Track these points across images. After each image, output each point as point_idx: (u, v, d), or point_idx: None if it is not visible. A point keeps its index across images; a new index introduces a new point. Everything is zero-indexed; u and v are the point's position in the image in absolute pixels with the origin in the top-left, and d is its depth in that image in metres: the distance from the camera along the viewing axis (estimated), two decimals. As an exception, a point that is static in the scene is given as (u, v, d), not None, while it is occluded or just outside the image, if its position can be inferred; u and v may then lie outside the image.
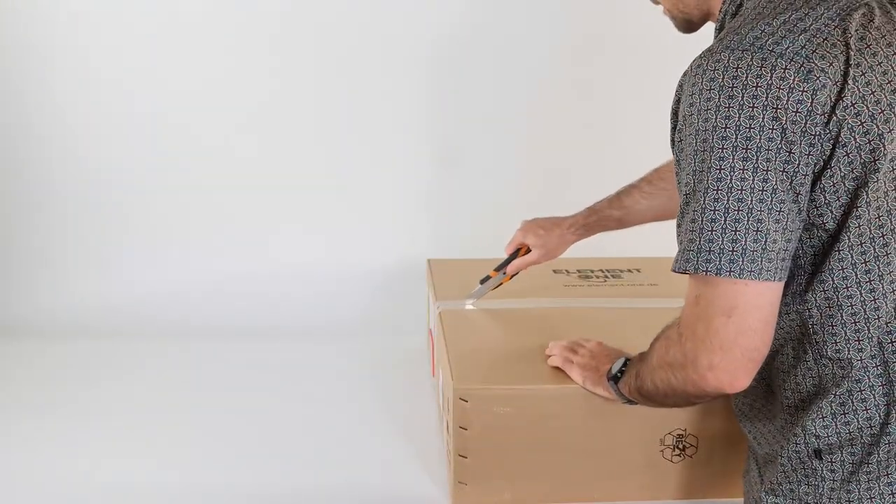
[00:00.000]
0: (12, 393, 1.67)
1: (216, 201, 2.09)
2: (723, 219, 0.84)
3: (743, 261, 0.83)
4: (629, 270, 1.76)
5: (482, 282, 1.55)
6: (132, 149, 2.05)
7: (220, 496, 1.30)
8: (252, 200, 2.10)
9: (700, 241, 0.85)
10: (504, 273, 1.52)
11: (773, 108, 0.82)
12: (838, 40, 0.85)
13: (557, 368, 1.26)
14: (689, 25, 1.03)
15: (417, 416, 1.54)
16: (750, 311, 0.85)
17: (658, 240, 2.04)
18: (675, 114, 0.92)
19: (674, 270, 0.89)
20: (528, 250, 1.50)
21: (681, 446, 1.24)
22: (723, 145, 0.83)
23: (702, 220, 0.85)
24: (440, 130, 2.08)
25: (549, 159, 2.13)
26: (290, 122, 2.05)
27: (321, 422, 1.53)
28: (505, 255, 1.53)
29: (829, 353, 0.91)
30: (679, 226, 0.89)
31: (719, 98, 0.83)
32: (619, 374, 1.12)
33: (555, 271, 1.76)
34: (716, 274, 0.84)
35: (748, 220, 0.83)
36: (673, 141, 0.93)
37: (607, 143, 2.13)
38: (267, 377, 1.73)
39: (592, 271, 1.74)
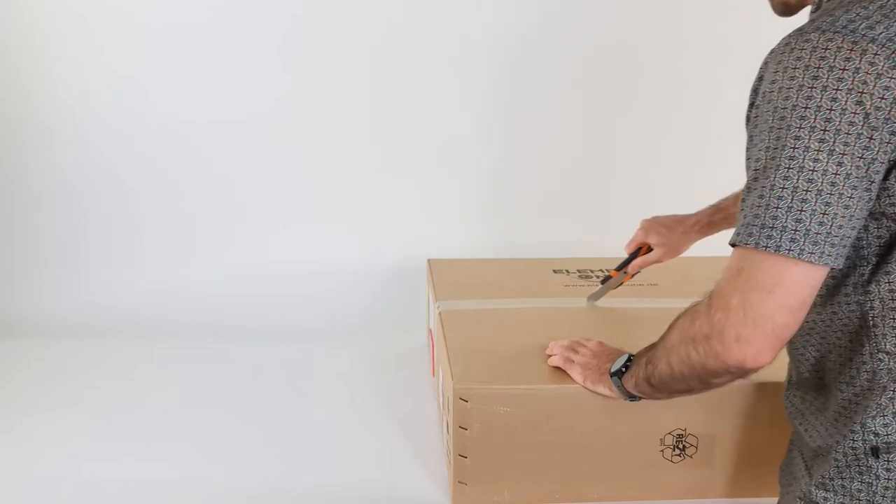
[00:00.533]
0: (13, 392, 1.67)
1: (216, 201, 2.09)
2: (790, 197, 0.83)
3: (804, 241, 0.83)
4: (629, 270, 1.76)
5: (603, 282, 1.54)
6: (133, 148, 2.05)
7: (219, 496, 1.30)
8: (252, 200, 2.10)
9: (765, 217, 0.85)
10: (625, 272, 1.51)
11: (859, 92, 0.81)
12: None
13: (558, 368, 1.26)
14: (786, 9, 1.00)
15: (417, 416, 1.54)
16: (792, 291, 0.85)
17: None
18: (754, 91, 0.92)
19: (731, 244, 0.89)
20: (649, 249, 1.49)
21: (681, 446, 1.24)
22: (800, 124, 0.83)
23: (769, 197, 0.84)
24: (441, 131, 2.08)
25: (550, 159, 2.13)
26: (290, 123, 2.05)
27: (321, 422, 1.53)
28: (625, 255, 1.51)
29: (887, 346, 0.91)
30: (743, 200, 0.88)
31: (803, 77, 0.83)
32: (622, 370, 1.12)
33: (555, 271, 1.76)
34: (774, 251, 0.84)
35: (816, 202, 0.83)
36: (748, 118, 0.92)
37: (607, 143, 2.13)
38: (267, 377, 1.73)
39: (592, 271, 1.74)
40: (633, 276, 1.52)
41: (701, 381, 0.97)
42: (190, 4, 1.98)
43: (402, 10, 2.00)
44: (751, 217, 0.86)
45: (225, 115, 2.04)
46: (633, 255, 1.50)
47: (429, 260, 1.85)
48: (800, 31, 0.86)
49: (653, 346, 1.05)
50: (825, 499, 0.96)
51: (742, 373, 0.91)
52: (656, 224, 1.50)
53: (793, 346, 1.03)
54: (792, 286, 0.85)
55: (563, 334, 1.33)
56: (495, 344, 1.38)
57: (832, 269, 0.87)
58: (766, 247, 0.85)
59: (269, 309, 2.04)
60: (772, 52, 0.89)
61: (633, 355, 1.13)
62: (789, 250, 0.83)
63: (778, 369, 1.22)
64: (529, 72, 2.06)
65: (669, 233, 1.48)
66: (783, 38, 0.88)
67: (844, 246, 0.85)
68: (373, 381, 1.71)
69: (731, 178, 2.05)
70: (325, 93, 2.04)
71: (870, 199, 0.85)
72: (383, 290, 2.09)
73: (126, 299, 2.06)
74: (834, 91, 0.82)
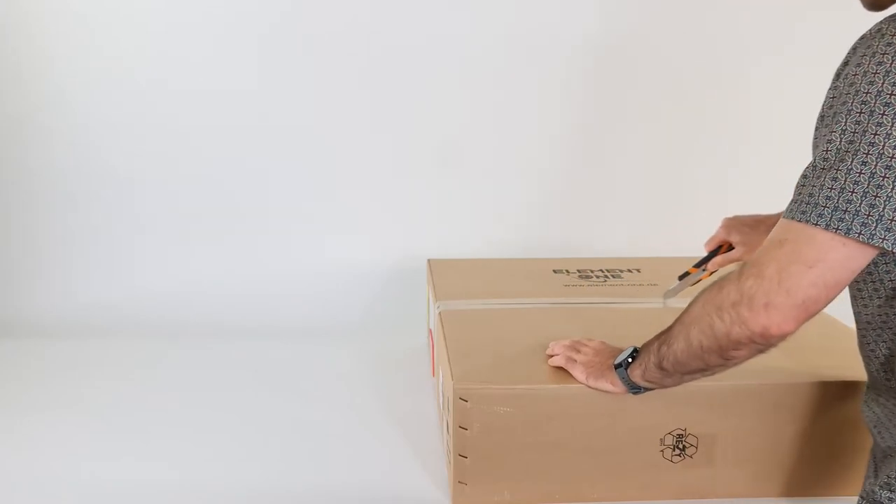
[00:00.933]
0: (13, 392, 1.67)
1: (216, 201, 2.09)
2: (867, 182, 0.84)
3: (876, 227, 0.84)
4: (629, 270, 1.76)
5: (681, 278, 1.52)
6: (133, 148, 2.05)
7: (219, 496, 1.30)
8: (252, 200, 2.10)
9: (839, 200, 0.85)
10: (704, 269, 1.50)
11: None
12: None
13: (559, 368, 1.26)
14: (878, 2, 0.98)
15: (417, 416, 1.54)
16: (834, 269, 0.86)
17: (658, 239, 2.05)
18: (837, 75, 0.91)
19: (788, 217, 0.89)
20: (730, 248, 1.48)
21: (681, 446, 1.24)
22: (884, 111, 0.83)
23: (845, 180, 0.85)
24: (440, 131, 2.08)
25: (549, 158, 2.13)
26: (289, 123, 2.05)
27: (321, 422, 1.53)
28: (705, 252, 1.50)
29: None
30: (805, 176, 0.89)
31: (891, 64, 0.83)
32: (628, 361, 1.13)
33: (555, 271, 1.76)
34: (845, 234, 0.85)
35: (892, 189, 0.83)
36: (826, 99, 0.92)
37: (605, 144, 2.13)
38: (267, 377, 1.73)
39: (592, 271, 1.74)
40: (711, 273, 1.51)
41: (720, 354, 0.97)
42: (190, 5, 1.98)
43: (401, 9, 2.00)
44: (821, 198, 0.86)
45: (225, 115, 2.04)
46: (714, 253, 1.49)
47: (429, 260, 1.85)
48: (893, 18, 0.86)
49: (667, 329, 1.06)
50: (889, 499, 0.96)
51: (764, 342, 0.91)
52: (738, 223, 1.48)
53: (864, 341, 1.03)
54: (833, 264, 0.86)
55: (564, 334, 1.33)
56: (495, 344, 1.38)
57: None
58: (837, 230, 0.85)
59: (269, 309, 2.04)
60: (862, 37, 0.88)
61: (638, 347, 1.13)
62: (859, 234, 0.84)
63: (777, 370, 1.23)
64: (528, 71, 2.06)
65: (752, 231, 1.46)
66: (875, 24, 0.87)
67: None
68: (373, 381, 1.71)
69: (738, 176, 2.07)
70: (325, 93, 2.04)
71: None
72: (383, 290, 2.09)
73: (126, 299, 2.06)
74: None
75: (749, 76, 2.08)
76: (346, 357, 1.84)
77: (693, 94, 2.07)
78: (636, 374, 1.12)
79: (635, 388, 1.14)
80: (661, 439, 1.24)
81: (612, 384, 1.17)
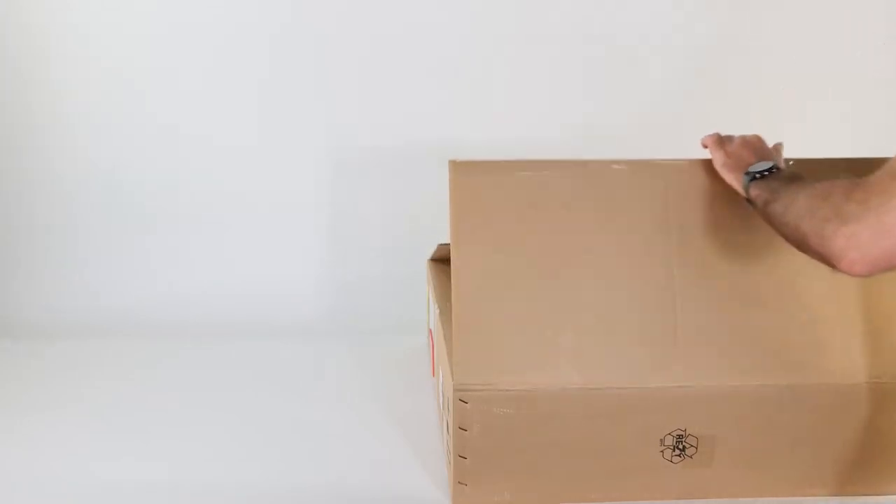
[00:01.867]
0: (13, 392, 1.67)
1: (216, 201, 2.09)
2: None
3: None
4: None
5: None
6: (135, 149, 2.05)
7: (219, 495, 1.30)
8: (252, 200, 2.10)
9: None
10: None
11: None
12: None
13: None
14: None
15: (417, 416, 1.54)
16: None
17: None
18: None
19: None
20: None
21: (681, 446, 1.24)
22: None
23: None
24: (440, 128, 2.08)
25: (549, 157, 2.13)
26: (290, 122, 2.05)
27: (321, 422, 1.53)
28: None
29: None
30: None
31: None
32: (759, 175, 1.11)
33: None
34: None
35: None
36: None
37: (603, 144, 2.13)
38: (267, 377, 1.73)
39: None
40: None
41: (799, 243, 0.95)
42: (189, 6, 1.98)
43: (399, 9, 2.00)
44: None
45: (225, 116, 2.04)
46: None
47: (429, 260, 1.85)
48: None
49: (791, 180, 1.03)
50: None
51: (831, 266, 0.88)
52: None
53: None
54: None
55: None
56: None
57: None
58: None
59: (270, 309, 2.04)
60: None
61: (777, 168, 1.11)
62: None
63: (775, 372, 1.23)
64: (530, 71, 2.06)
65: None
66: None
67: None
68: (373, 381, 1.71)
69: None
70: (324, 94, 2.04)
71: None
72: (383, 290, 2.09)
73: (126, 299, 2.06)
74: None
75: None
76: (346, 357, 1.84)
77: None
78: (755, 191, 1.09)
79: (750, 201, 1.12)
80: (661, 439, 1.24)
81: (737, 182, 1.16)
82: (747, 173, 1.13)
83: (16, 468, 1.38)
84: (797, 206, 0.95)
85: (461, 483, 1.25)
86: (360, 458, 1.41)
